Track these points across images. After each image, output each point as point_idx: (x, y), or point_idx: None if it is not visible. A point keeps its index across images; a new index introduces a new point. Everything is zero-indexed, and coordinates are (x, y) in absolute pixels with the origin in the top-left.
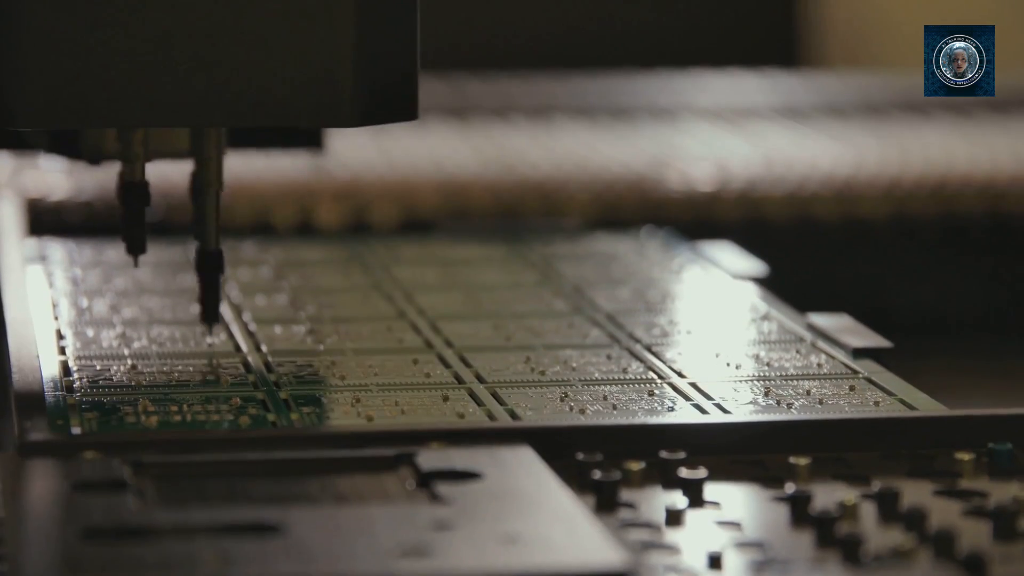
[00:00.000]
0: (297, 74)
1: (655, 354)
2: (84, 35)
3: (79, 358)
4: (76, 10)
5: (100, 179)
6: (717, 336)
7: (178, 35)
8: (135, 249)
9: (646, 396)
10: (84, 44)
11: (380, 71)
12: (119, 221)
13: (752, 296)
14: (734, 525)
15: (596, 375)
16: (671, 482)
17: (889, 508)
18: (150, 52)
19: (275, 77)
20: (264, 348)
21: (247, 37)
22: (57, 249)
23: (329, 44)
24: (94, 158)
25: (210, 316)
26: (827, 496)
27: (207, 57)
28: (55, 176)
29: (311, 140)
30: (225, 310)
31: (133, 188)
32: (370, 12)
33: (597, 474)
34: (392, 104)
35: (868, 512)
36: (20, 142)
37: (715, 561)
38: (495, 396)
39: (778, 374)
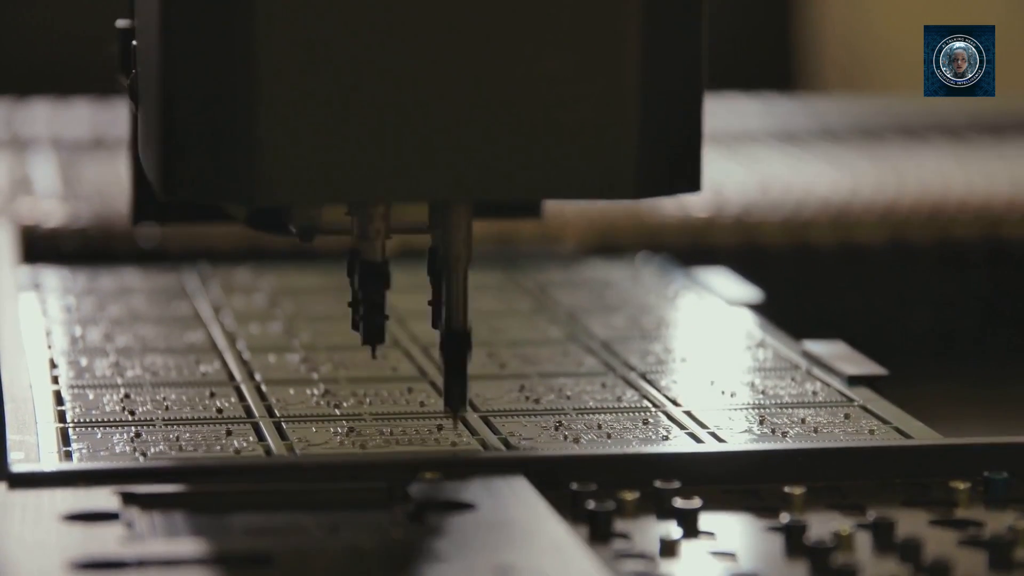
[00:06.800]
0: (570, 143)
1: (650, 382)
2: (329, 108)
3: (71, 387)
4: (320, 84)
5: (95, 207)
6: (712, 364)
7: (435, 106)
8: (372, 337)
9: (641, 425)
10: (329, 116)
11: (663, 137)
12: (354, 310)
13: (747, 323)
14: (729, 555)
15: (591, 403)
16: (665, 512)
17: (884, 538)
18: (404, 123)
19: (545, 146)
20: (258, 377)
21: (514, 103)
22: (51, 277)
23: (609, 109)
24: (306, 234)
25: (456, 402)
26: (822, 526)
27: (465, 126)
28: (50, 203)
29: (528, 206)
30: (219, 338)
31: (373, 269)
32: (656, 73)
33: (591, 504)
34: (675, 173)
35: (863, 542)
36: (211, 214)
37: None
38: (489, 425)
39: (773, 402)
